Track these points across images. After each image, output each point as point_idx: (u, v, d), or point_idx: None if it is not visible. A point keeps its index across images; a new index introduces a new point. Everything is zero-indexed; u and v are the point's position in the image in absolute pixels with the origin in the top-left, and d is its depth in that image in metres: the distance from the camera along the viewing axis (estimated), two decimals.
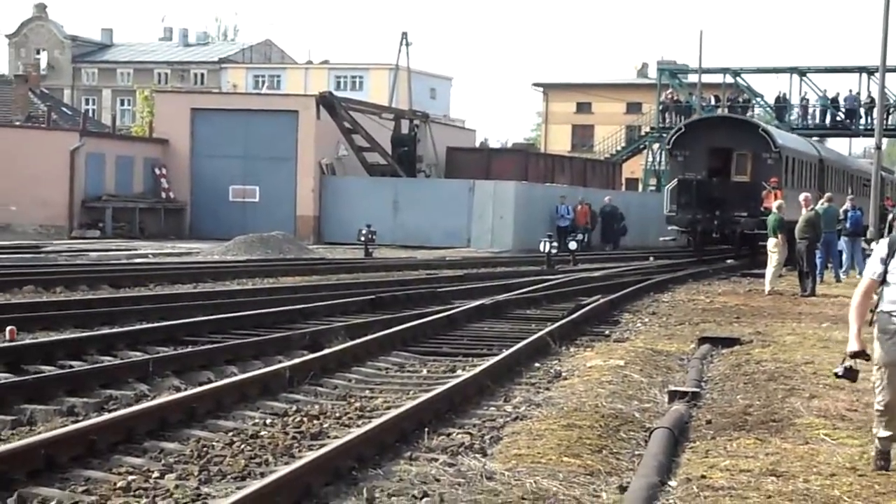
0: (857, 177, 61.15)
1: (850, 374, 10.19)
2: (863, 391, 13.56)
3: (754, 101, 70.61)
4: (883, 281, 9.90)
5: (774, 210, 30.95)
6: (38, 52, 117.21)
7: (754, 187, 42.18)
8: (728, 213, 42.34)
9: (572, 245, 40.97)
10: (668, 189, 44.34)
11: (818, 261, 31.21)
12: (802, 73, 68.50)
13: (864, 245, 36.04)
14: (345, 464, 9.54)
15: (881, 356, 9.99)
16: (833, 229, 33.76)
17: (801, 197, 31.17)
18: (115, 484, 8.99)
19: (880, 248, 10.15)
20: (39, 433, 10.43)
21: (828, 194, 38.63)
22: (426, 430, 11.20)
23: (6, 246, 41.15)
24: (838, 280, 33.25)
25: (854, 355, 10.06)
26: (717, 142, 44.41)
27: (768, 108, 69.44)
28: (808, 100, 68.21)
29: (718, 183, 43.55)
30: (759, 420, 11.83)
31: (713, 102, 68.35)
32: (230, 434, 11.00)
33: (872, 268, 10.03)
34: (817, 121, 68.89)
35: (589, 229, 51.32)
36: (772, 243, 30.01)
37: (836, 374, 10.26)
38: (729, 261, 42.76)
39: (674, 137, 45.98)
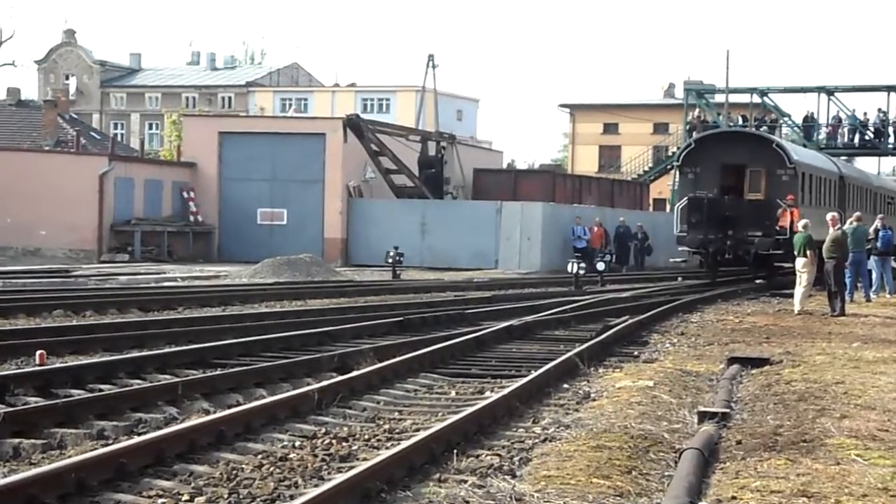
0: (883, 195, 59.47)
1: None
2: (894, 411, 13.54)
3: (782, 121, 70.39)
4: None
5: (801, 229, 30.80)
6: (67, 78, 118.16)
7: (769, 205, 40.54)
8: (741, 233, 40.35)
9: (600, 266, 40.76)
10: (679, 208, 42.65)
11: (847, 280, 31.10)
12: (830, 92, 68.28)
13: (894, 264, 35.96)
14: (374, 486, 9.52)
15: None
16: (862, 248, 33.63)
17: (829, 216, 31.04)
18: None
19: None
20: (69, 456, 10.46)
21: (856, 213, 38.37)
22: (455, 451, 11.17)
23: (36, 270, 41.39)
24: (868, 300, 33.12)
25: None
26: (730, 158, 42.52)
27: (796, 128, 69.27)
28: (839, 118, 68.00)
29: (731, 201, 41.32)
30: (790, 440, 11.76)
31: (741, 122, 68.13)
32: (259, 456, 11.00)
33: None
34: (846, 140, 68.68)
35: (609, 251, 50.71)
36: (800, 263, 29.88)
37: None
38: (758, 281, 41.25)
39: (684, 153, 44.43)
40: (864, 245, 33.95)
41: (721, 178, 42.09)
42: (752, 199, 41.32)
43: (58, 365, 16.28)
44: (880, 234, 35.71)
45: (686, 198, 41.98)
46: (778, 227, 39.27)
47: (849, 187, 50.71)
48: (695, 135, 55.65)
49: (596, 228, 51.98)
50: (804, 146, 56.77)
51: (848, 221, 33.33)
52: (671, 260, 45.60)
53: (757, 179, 41.79)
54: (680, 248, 42.42)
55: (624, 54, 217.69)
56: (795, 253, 30.45)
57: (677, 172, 46.15)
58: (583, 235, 50.94)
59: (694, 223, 40.95)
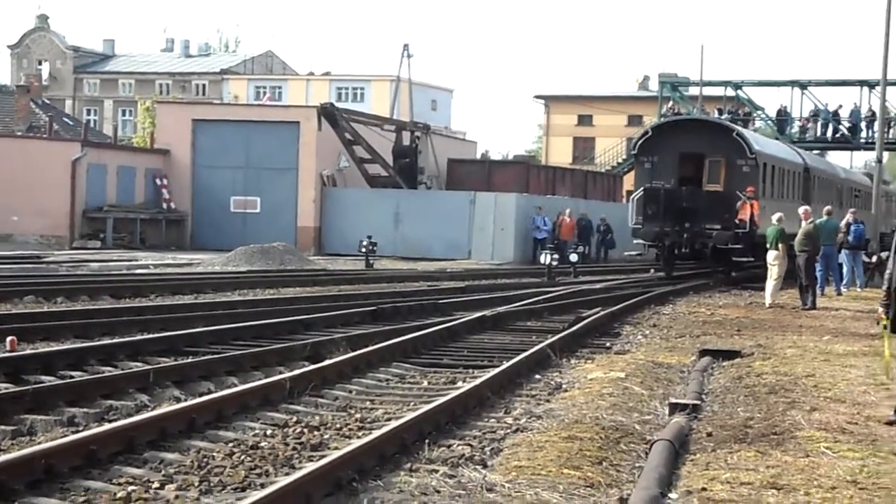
0: (850, 188, 58.19)
1: None
2: (863, 404, 13.60)
3: (755, 115, 70.59)
4: None
5: (775, 222, 30.85)
6: (39, 63, 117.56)
7: (728, 197, 38.61)
8: (699, 226, 38.38)
9: (573, 257, 40.35)
10: (634, 198, 40.47)
11: (818, 274, 31.19)
12: (803, 86, 68.47)
13: (864, 258, 36.07)
14: (345, 475, 9.52)
15: None
16: (833, 242, 33.76)
17: (801, 210, 31.13)
18: (115, 494, 8.97)
19: None
20: (39, 443, 10.42)
21: (827, 207, 38.34)
22: (427, 441, 11.18)
23: (7, 256, 41.13)
24: (839, 293, 33.22)
25: None
26: (688, 147, 40.36)
27: (770, 122, 69.47)
28: (816, 113, 68.07)
29: (689, 192, 39.34)
30: (760, 433, 11.81)
31: (716, 115, 68.27)
32: (230, 445, 10.99)
33: None
34: (818, 134, 68.88)
35: (577, 243, 48.03)
36: (772, 256, 29.94)
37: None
38: (733, 273, 40.63)
39: (640, 141, 41.85)
40: (834, 239, 34.09)
41: (679, 168, 40.27)
42: (711, 191, 39.55)
43: (28, 351, 16.22)
44: (852, 227, 35.77)
45: (642, 188, 40.05)
46: (737, 221, 37.87)
47: (814, 180, 49.24)
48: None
49: (567, 220, 51.02)
50: (777, 139, 56.38)
51: (823, 214, 33.43)
52: (626, 253, 44.60)
53: (716, 170, 39.94)
54: (635, 241, 41.00)
55: (599, 46, 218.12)
56: (767, 246, 30.49)
57: (634, 161, 44.00)
58: (542, 226, 50.31)
59: (650, 215, 39.18)
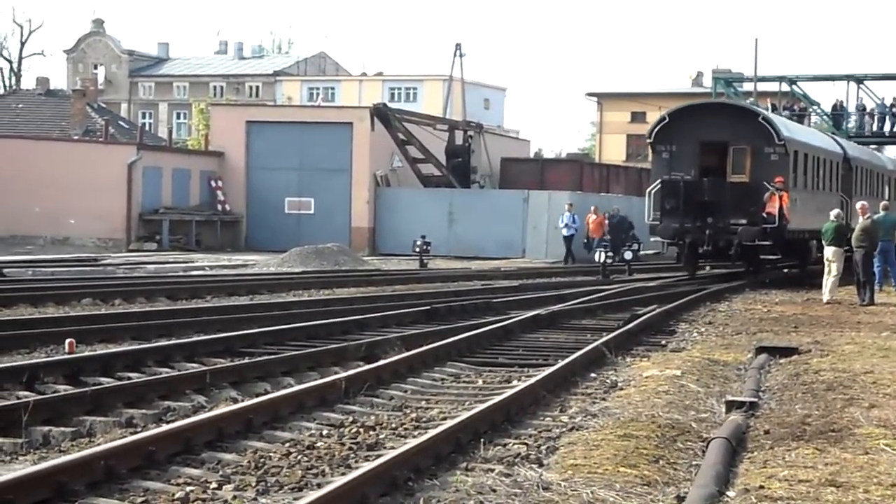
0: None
1: None
2: None
3: (811, 110, 70.02)
4: None
5: (833, 217, 30.62)
6: (95, 67, 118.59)
7: (755, 189, 35.24)
8: (723, 221, 35.07)
9: (628, 255, 39.82)
10: (651, 192, 36.95)
11: (876, 269, 30.88)
12: (859, 80, 67.77)
13: None
14: (401, 474, 9.53)
15: None
16: (891, 238, 33.44)
17: (858, 205, 30.87)
18: (173, 495, 9.03)
19: None
20: (99, 444, 10.50)
21: (884, 202, 37.87)
22: (482, 440, 11.18)
23: (66, 259, 41.57)
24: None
25: None
26: (710, 134, 36.78)
27: (825, 117, 68.90)
28: (863, 106, 67.42)
29: (711, 184, 35.82)
30: (818, 430, 11.73)
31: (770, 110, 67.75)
32: (287, 445, 11.04)
33: None
34: (875, 129, 68.25)
35: (606, 241, 46.44)
36: (830, 252, 29.72)
37: None
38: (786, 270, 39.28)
39: (656, 129, 37.71)
40: (893, 234, 33.77)
41: (700, 158, 36.65)
42: (736, 182, 36.04)
43: (87, 353, 16.36)
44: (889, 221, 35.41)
45: (659, 180, 36.63)
46: (765, 214, 34.71)
47: (856, 170, 45.47)
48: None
49: (594, 217, 48.83)
50: (833, 134, 55.22)
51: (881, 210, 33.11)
52: (642, 253, 41.10)
53: (741, 159, 36.37)
54: (652, 239, 38.51)
55: (651, 43, 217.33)
56: (825, 243, 30.27)
57: (651, 151, 39.43)
58: (571, 223, 48.45)
59: (669, 210, 35.96)
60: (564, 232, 48.67)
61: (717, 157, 36.51)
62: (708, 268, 40.58)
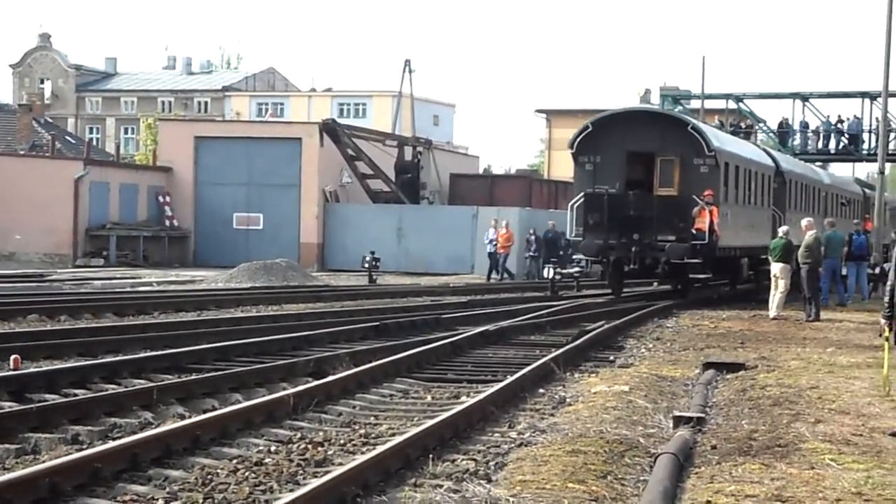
0: (835, 196, 53.11)
1: None
2: (868, 416, 13.60)
3: (757, 127, 70.49)
4: None
5: (781, 234, 30.72)
6: (42, 82, 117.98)
7: (684, 203, 33.23)
8: (650, 238, 33.13)
9: (576, 271, 38.43)
10: (573, 206, 34.76)
11: (822, 285, 31.00)
12: (805, 98, 68.28)
13: (868, 270, 35.93)
14: (350, 491, 9.51)
15: None
16: (838, 255, 33.65)
17: (804, 222, 30.88)
18: None
19: None
20: (44, 461, 10.41)
21: (829, 219, 37.98)
22: (431, 456, 11.17)
23: (11, 275, 41.20)
24: (843, 305, 33.18)
25: None
26: (637, 144, 34.50)
27: (771, 134, 69.40)
28: (805, 123, 67.87)
29: (638, 198, 33.70)
30: (765, 445, 11.81)
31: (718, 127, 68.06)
32: (234, 461, 10.98)
33: None
34: (820, 146, 68.80)
35: (506, 255, 47.04)
36: (777, 268, 29.81)
37: None
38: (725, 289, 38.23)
39: (579, 138, 35.27)
40: (840, 251, 33.98)
41: (626, 170, 34.43)
42: (664, 196, 33.91)
43: (32, 370, 16.20)
44: (854, 238, 35.73)
45: (583, 194, 34.50)
46: (694, 230, 32.89)
47: (790, 184, 43.40)
48: None
49: (503, 231, 47.74)
50: (779, 152, 55.11)
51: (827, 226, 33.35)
52: (563, 271, 37.96)
53: (669, 171, 34.18)
54: (575, 256, 36.37)
55: (600, 60, 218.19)
56: (772, 259, 30.33)
57: (573, 162, 36.58)
58: (496, 239, 47.92)
59: (592, 225, 33.85)
60: (489, 248, 47.93)
61: (643, 168, 34.54)
62: (655, 283, 39.41)
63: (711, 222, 32.88)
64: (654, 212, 33.31)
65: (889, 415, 13.11)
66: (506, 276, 46.99)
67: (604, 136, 34.77)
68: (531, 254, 47.92)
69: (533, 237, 48.30)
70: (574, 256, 35.50)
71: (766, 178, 40.54)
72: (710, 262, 33.55)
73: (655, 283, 39.17)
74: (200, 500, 9.45)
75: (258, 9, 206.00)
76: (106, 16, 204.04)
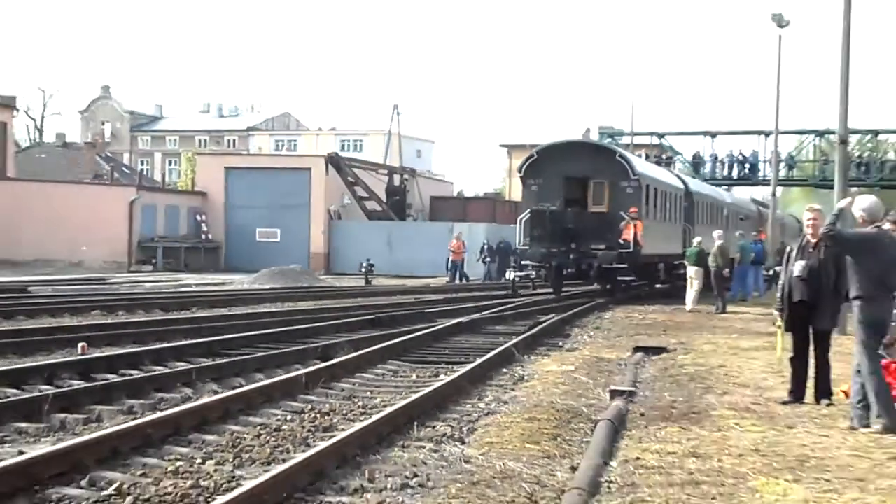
0: (735, 212, 51.61)
1: None
2: (764, 388, 13.63)
3: (675, 158, 70.59)
4: None
5: (696, 244, 30.82)
6: (103, 124, 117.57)
7: (612, 218, 32.68)
8: (584, 246, 32.56)
9: (532, 274, 36.48)
10: (521, 220, 34.14)
11: (735, 285, 31.10)
12: (713, 135, 68.61)
13: (763, 272, 36.10)
14: (351, 451, 9.52)
15: None
16: (748, 260, 33.85)
17: (715, 234, 31.03)
18: (166, 469, 8.97)
19: None
20: (106, 428, 10.39)
21: (739, 232, 38.08)
22: (415, 423, 11.17)
23: (79, 278, 41.11)
24: (744, 300, 33.25)
25: None
26: (573, 170, 33.90)
27: (687, 163, 69.53)
28: (715, 155, 68.06)
29: (574, 213, 33.23)
30: (682, 413, 11.83)
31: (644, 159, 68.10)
32: (258, 428, 10.95)
33: None
34: (726, 173, 69.04)
35: (461, 262, 46.61)
36: (692, 271, 29.98)
37: None
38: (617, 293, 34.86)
39: (526, 164, 35.06)
40: (748, 257, 34.18)
41: (564, 190, 33.81)
42: (596, 212, 33.39)
43: (96, 354, 16.15)
44: (754, 247, 35.93)
45: (529, 210, 33.95)
46: (621, 241, 32.33)
47: (697, 203, 42.28)
48: None
49: (455, 242, 47.08)
50: (692, 178, 55.08)
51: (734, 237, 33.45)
52: (515, 275, 36.17)
53: (600, 191, 33.62)
54: (522, 262, 35.00)
55: (553, 103, 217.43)
56: (688, 263, 30.42)
57: (521, 184, 36.47)
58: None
59: (537, 236, 33.35)
60: (452, 256, 47.27)
61: (579, 189, 34.06)
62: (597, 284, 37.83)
63: (635, 234, 32.56)
64: (587, 225, 32.96)
65: (781, 387, 13.13)
66: (464, 279, 46.87)
67: (546, 162, 34.42)
68: (484, 258, 47.78)
69: (486, 246, 48.03)
70: (522, 262, 34.70)
71: (678, 199, 39.92)
72: (634, 267, 33.20)
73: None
74: (231, 459, 9.43)
75: (276, 64, 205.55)
76: (155, 69, 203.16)
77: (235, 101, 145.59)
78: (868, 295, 10.99)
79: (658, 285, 37.68)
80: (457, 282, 45.95)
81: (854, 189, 49.99)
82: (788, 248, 13.63)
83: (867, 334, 10.96)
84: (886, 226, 11.74)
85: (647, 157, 65.73)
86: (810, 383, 12.55)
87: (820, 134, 63.84)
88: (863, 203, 11.37)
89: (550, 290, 34.81)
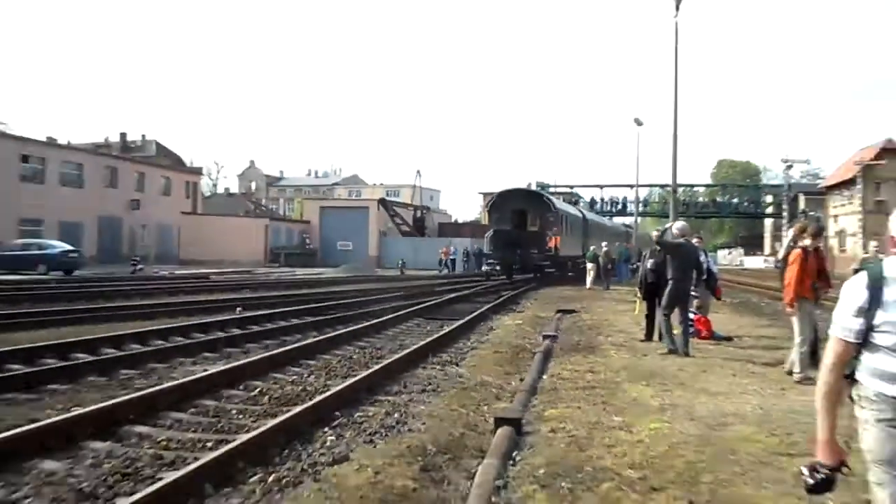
0: (613, 233, 49.44)
1: (827, 486, 2.94)
2: (629, 333, 13.57)
3: (579, 199, 70.65)
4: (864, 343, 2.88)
5: (592, 249, 30.79)
6: (250, 182, 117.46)
7: (542, 234, 32.96)
8: (526, 251, 32.42)
9: (497, 268, 35.50)
10: (487, 237, 34.42)
11: (617, 275, 31.06)
12: (601, 186, 69.03)
13: (630, 266, 35.99)
14: (394, 369, 9.51)
15: (881, 450, 2.84)
16: (622, 260, 33.92)
17: (603, 244, 31.06)
18: (287, 380, 8.96)
19: (855, 293, 2.89)
20: (250, 357, 10.20)
21: (617, 243, 38.02)
22: (430, 354, 11.14)
23: (236, 270, 40.96)
24: (619, 283, 33.20)
25: (834, 468, 2.90)
26: (518, 206, 33.95)
27: (586, 202, 69.59)
28: (602, 198, 68.09)
29: (519, 231, 33.19)
30: (584, 347, 11.82)
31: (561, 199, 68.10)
32: (339, 357, 10.92)
33: (846, 324, 2.90)
34: (608, 209, 69.15)
35: (452, 260, 47.13)
36: (589, 265, 29.97)
37: (810, 489, 2.96)
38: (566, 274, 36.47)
39: (491, 203, 35.29)
40: (622, 257, 34.23)
41: (513, 218, 33.59)
42: (532, 231, 33.38)
43: (247, 314, 16.09)
44: (623, 252, 35.92)
45: (492, 230, 33.96)
46: (547, 248, 32.65)
47: (591, 226, 41.84)
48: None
49: (444, 248, 48.25)
50: (588, 211, 54.94)
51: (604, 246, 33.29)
52: (486, 268, 35.39)
53: (534, 218, 33.67)
54: (488, 262, 34.68)
55: (509, 166, 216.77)
56: (588, 260, 30.39)
57: (488, 214, 36.71)
58: (451, 254, 48.21)
59: (497, 245, 33.21)
60: (440, 256, 47.94)
61: (522, 217, 33.74)
62: (538, 274, 38.67)
63: (555, 244, 32.82)
64: (527, 239, 32.70)
65: (638, 333, 13.13)
66: (448, 269, 46.66)
67: (503, 200, 34.17)
68: (464, 259, 47.95)
69: (467, 251, 48.26)
70: (488, 261, 34.69)
71: (580, 223, 39.62)
72: (554, 263, 33.25)
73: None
74: (324, 375, 9.42)
75: (350, 143, 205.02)
76: (278, 147, 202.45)
77: (325, 167, 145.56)
78: (677, 277, 11.20)
79: (570, 274, 37.73)
80: (445, 271, 45.88)
81: (681, 217, 50.03)
82: (644, 252, 13.75)
83: (671, 298, 11.15)
84: (695, 240, 12.16)
85: (563, 198, 65.66)
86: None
87: (661, 186, 64.09)
88: (678, 225, 12.07)
89: (505, 277, 34.82)
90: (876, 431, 2.86)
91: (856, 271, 3.51)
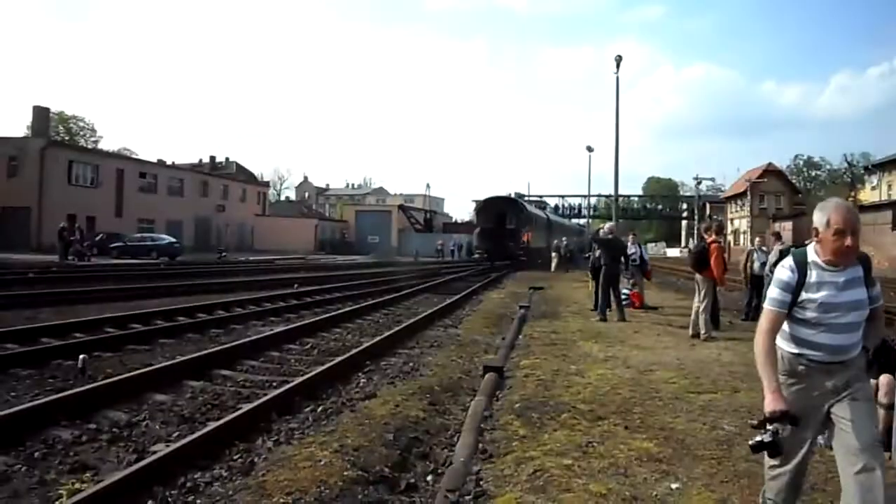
0: (571, 229, 49.47)
1: (775, 447, 2.53)
2: (582, 304, 13.50)
3: (546, 205, 70.04)
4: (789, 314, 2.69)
5: (556, 243, 30.58)
6: (304, 191, 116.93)
7: (517, 231, 32.17)
8: (505, 244, 31.65)
9: (484, 255, 34.94)
10: (475, 233, 33.90)
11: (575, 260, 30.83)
12: (563, 196, 68.64)
13: (584, 256, 35.67)
14: (409, 331, 9.42)
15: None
16: (577, 250, 33.66)
17: (564, 239, 30.85)
18: (330, 338, 8.90)
19: (784, 274, 2.69)
20: (302, 321, 10.03)
21: (574, 238, 37.47)
22: (435, 319, 11.10)
23: (294, 257, 40.66)
24: (577, 268, 32.94)
25: (778, 418, 2.52)
26: (499, 209, 33.00)
27: (551, 207, 69.07)
28: (569, 205, 67.61)
29: (500, 228, 32.13)
30: (549, 315, 11.77)
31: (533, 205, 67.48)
32: (368, 321, 10.80)
33: (777, 298, 2.69)
34: (568, 213, 68.70)
35: (443, 250, 47.16)
36: (553, 255, 29.76)
37: (754, 448, 2.56)
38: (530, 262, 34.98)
39: (479, 207, 34.64)
40: (578, 249, 33.98)
41: (495, 219, 32.56)
42: (509, 228, 32.31)
43: (303, 289, 15.88)
44: (576, 244, 35.55)
45: (479, 228, 33.32)
46: (522, 242, 31.97)
47: (553, 225, 40.92)
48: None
49: (440, 242, 48.03)
50: (553, 214, 54.18)
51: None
52: (473, 256, 34.71)
53: (512, 219, 32.45)
54: (476, 252, 34.30)
55: (495, 177, 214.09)
56: (553, 251, 30.14)
57: (476, 215, 35.80)
58: (451, 246, 48.13)
59: (482, 239, 32.70)
60: (439, 247, 47.80)
61: (501, 218, 32.66)
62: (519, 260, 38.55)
63: (527, 239, 32.58)
64: (505, 234, 31.86)
65: (589, 304, 13.08)
66: (440, 257, 46.43)
67: (488, 205, 33.51)
68: (458, 249, 47.81)
69: (462, 244, 48.02)
70: (477, 251, 34.62)
71: (546, 223, 38.76)
72: (526, 253, 32.85)
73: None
74: (358, 335, 9.35)
75: (379, 160, 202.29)
76: (326, 164, 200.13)
77: (359, 180, 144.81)
78: (608, 263, 11.26)
79: (538, 261, 37.55)
80: (440, 258, 45.44)
81: (621, 220, 49.79)
82: (594, 244, 13.76)
83: (605, 279, 11.16)
84: (631, 236, 12.46)
85: (534, 204, 65.01)
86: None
87: (606, 196, 63.63)
88: (608, 225, 12.52)
89: (490, 264, 34.68)
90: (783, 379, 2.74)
91: (781, 252, 3.41)
